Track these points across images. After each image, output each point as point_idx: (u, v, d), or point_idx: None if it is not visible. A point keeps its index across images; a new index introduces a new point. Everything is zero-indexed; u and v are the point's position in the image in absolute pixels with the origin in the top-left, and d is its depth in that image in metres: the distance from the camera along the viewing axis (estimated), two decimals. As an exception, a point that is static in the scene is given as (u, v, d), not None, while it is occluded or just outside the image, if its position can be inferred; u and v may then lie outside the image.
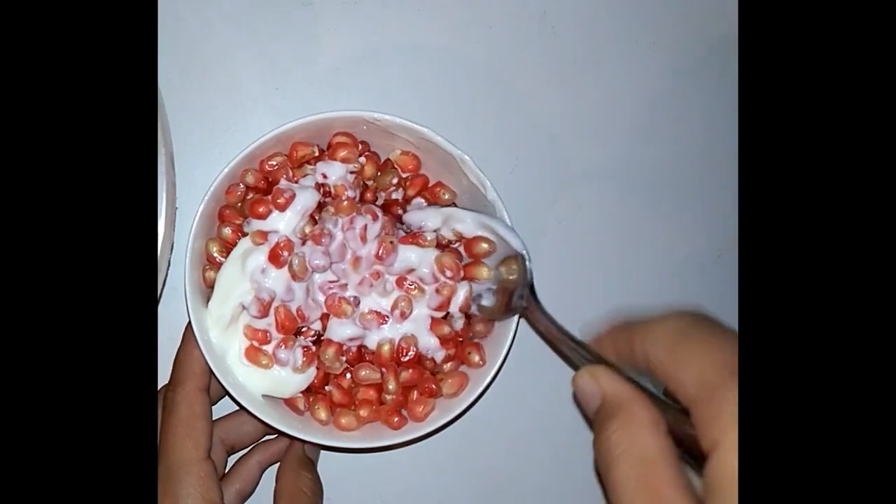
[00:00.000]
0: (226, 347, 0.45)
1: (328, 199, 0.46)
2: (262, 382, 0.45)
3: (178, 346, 0.47)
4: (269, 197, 0.45)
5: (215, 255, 0.46)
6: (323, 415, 0.45)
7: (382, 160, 0.48)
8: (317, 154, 0.46)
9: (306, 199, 0.45)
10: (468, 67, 0.54)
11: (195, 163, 0.50)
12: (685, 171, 0.55)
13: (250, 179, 0.46)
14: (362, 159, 0.47)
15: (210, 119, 0.52)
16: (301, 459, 0.48)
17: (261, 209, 0.45)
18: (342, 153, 0.46)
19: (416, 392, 0.46)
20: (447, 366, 0.47)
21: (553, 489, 0.53)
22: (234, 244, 0.45)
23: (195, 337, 0.44)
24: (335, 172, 0.46)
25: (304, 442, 0.49)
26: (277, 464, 0.49)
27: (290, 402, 0.46)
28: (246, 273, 0.44)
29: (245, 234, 0.45)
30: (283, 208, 0.45)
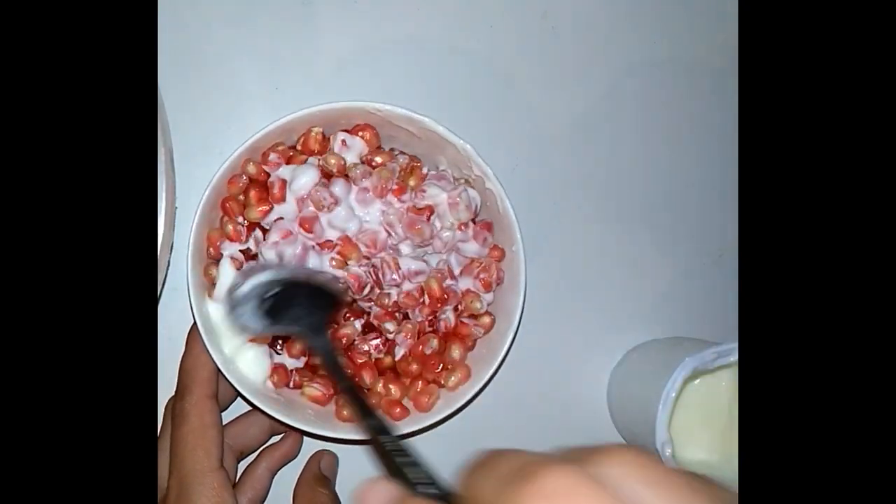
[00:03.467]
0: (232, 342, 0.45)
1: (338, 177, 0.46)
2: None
3: (179, 350, 0.47)
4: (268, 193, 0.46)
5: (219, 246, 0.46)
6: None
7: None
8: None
9: (304, 180, 0.45)
10: (469, 68, 0.54)
11: (195, 163, 0.49)
12: (685, 170, 0.55)
13: (252, 170, 0.46)
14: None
15: (210, 119, 0.52)
16: (317, 476, 0.49)
17: (263, 208, 0.45)
18: (367, 134, 0.46)
19: (420, 383, 0.47)
20: (456, 352, 0.47)
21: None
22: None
23: (201, 337, 0.44)
24: (355, 145, 0.46)
25: (313, 436, 0.49)
26: (288, 470, 0.50)
27: (315, 399, 0.46)
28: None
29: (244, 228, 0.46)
30: (280, 200, 0.45)
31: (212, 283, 0.46)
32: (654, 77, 0.55)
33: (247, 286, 0.40)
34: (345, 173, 0.46)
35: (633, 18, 0.55)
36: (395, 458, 0.30)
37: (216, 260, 0.46)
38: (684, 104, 0.56)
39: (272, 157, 0.46)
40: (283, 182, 0.45)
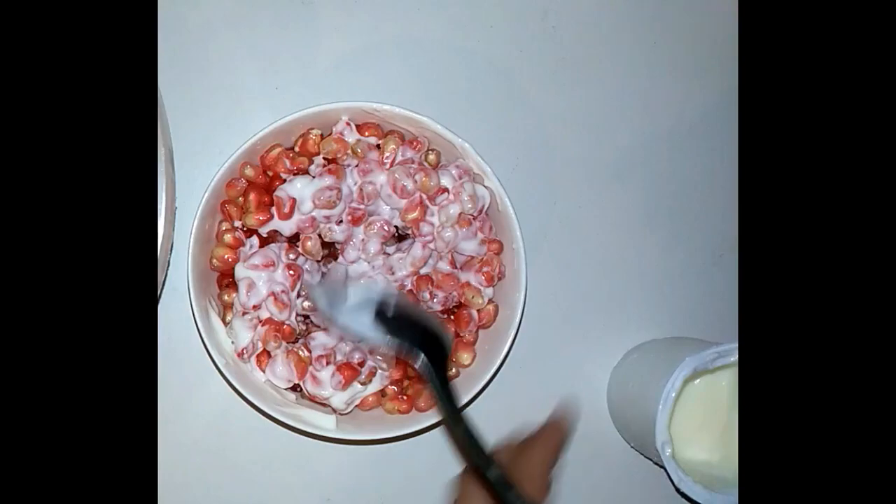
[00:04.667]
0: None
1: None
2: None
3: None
4: (273, 207, 0.45)
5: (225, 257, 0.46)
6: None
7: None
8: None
9: (308, 206, 0.45)
10: (469, 68, 0.54)
11: (195, 162, 0.49)
12: (685, 170, 0.55)
13: (250, 173, 0.46)
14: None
15: (210, 119, 0.52)
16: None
17: (261, 217, 0.45)
18: (373, 131, 0.46)
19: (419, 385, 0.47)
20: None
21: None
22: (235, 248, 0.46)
23: (201, 338, 0.44)
24: (353, 138, 0.46)
25: (315, 437, 0.49)
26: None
27: (314, 399, 0.46)
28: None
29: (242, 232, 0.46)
30: (286, 218, 0.45)
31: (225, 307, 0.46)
32: (653, 77, 0.55)
33: (355, 297, 0.40)
34: (343, 159, 0.46)
35: (633, 18, 0.55)
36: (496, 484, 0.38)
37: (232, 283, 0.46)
38: (684, 104, 0.56)
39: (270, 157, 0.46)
40: (293, 201, 0.45)
